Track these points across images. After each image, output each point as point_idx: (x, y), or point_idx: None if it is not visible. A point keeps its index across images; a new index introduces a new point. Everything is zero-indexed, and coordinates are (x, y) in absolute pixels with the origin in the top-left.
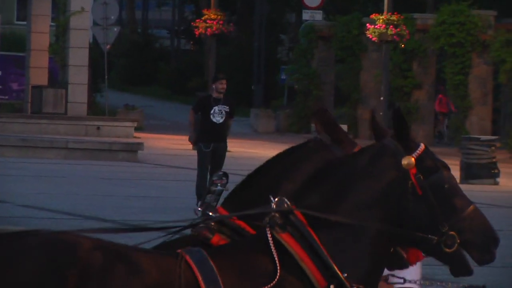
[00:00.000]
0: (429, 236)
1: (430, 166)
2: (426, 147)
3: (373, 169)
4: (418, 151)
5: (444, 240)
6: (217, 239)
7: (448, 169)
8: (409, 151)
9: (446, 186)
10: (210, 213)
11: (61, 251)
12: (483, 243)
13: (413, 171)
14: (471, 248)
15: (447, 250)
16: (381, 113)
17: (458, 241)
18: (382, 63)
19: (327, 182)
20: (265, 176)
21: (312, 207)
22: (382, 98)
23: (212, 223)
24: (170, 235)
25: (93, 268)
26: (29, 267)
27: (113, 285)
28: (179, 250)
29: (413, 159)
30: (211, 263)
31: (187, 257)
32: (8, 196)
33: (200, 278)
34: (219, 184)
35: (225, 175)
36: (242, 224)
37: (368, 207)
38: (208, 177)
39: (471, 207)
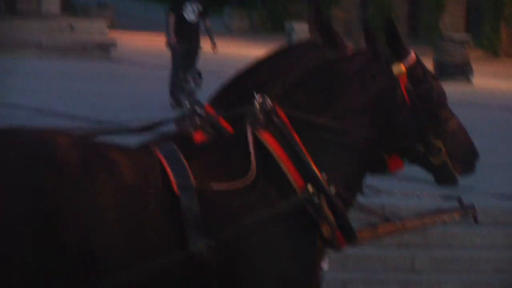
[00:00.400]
0: (416, 145)
1: (420, 76)
2: (417, 56)
3: (364, 74)
4: (409, 60)
5: (430, 149)
6: (199, 136)
7: (437, 79)
8: (400, 59)
9: (434, 97)
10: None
11: (37, 150)
12: (465, 154)
13: (404, 79)
14: (453, 158)
15: (433, 159)
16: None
17: (444, 150)
18: None
19: (316, 84)
20: (254, 76)
21: (298, 108)
22: None
23: (197, 120)
24: (153, 132)
25: (71, 167)
26: (3, 168)
27: (90, 183)
28: (152, 147)
29: (403, 67)
30: (184, 160)
31: (159, 154)
32: None
33: (171, 175)
34: (192, 83)
35: (199, 73)
36: (224, 122)
37: (356, 112)
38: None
39: (455, 119)
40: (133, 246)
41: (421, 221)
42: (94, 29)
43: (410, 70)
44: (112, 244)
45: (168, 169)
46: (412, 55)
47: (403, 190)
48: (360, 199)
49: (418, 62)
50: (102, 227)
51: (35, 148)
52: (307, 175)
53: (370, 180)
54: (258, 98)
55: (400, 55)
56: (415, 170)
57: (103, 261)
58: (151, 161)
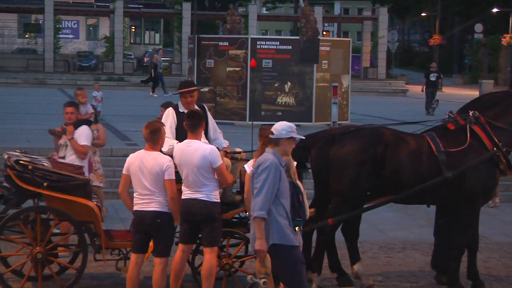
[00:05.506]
0: None
1: None
2: None
3: None
4: None
5: None
6: (451, 126)
7: None
8: None
9: None
10: None
11: (375, 133)
12: None
13: None
14: None
15: None
16: None
17: None
18: None
19: (500, 106)
20: (475, 102)
21: (489, 117)
22: None
23: (449, 119)
24: None
25: (389, 140)
26: (361, 140)
27: (397, 147)
28: (423, 134)
29: None
30: (437, 138)
31: (426, 136)
32: None
33: (432, 144)
34: (435, 104)
35: (437, 100)
36: (460, 120)
37: None
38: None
39: None
40: (415, 174)
41: None
42: None
43: None
44: (406, 173)
45: (431, 142)
46: None
47: None
48: None
49: None
50: (402, 164)
51: (374, 133)
52: (493, 143)
53: None
54: (471, 113)
55: None
56: None
57: (400, 180)
58: (423, 139)
